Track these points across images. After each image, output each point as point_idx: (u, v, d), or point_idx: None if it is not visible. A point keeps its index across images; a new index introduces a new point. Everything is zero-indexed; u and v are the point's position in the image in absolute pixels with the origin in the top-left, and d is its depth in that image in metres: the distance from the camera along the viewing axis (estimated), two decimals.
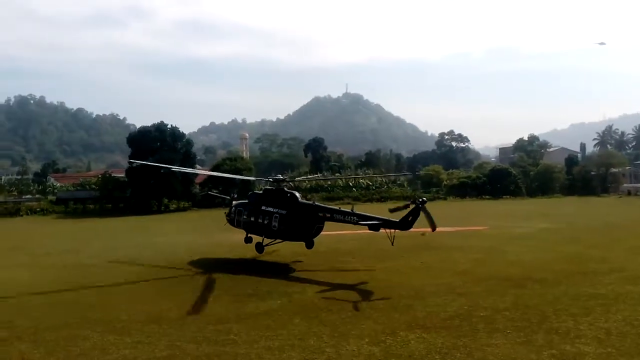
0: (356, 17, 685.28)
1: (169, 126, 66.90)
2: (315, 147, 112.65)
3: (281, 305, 14.42)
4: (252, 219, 21.90)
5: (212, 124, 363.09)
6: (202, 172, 63.02)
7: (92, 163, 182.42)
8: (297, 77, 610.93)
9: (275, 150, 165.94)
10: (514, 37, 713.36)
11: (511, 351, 10.22)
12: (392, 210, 18.01)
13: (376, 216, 18.67)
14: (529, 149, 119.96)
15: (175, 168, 44.25)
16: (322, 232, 21.13)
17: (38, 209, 63.49)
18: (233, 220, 23.25)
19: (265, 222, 21.20)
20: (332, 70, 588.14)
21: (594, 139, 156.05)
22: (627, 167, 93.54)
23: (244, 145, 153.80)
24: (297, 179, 34.94)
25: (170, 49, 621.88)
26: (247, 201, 23.06)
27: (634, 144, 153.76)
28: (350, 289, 16.34)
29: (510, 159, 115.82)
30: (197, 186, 67.50)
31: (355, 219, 18.94)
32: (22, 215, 60.89)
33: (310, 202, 21.53)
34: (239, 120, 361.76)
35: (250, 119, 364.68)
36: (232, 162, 70.05)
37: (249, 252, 22.40)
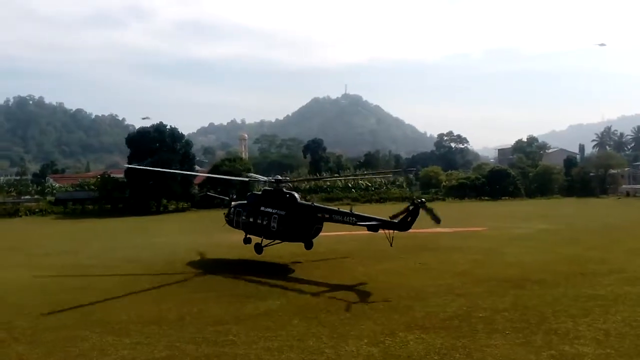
0: (356, 17, 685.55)
1: (168, 127, 66.90)
2: (314, 148, 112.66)
3: (280, 306, 14.41)
4: (251, 219, 21.89)
5: (211, 124, 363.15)
6: (199, 174, 63.05)
7: (91, 164, 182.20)
8: (297, 77, 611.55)
9: (274, 151, 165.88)
10: (513, 38, 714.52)
11: (510, 352, 10.22)
12: (393, 217, 17.94)
13: (375, 217, 18.67)
14: (527, 150, 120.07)
15: (170, 171, 44.20)
16: (321, 233, 21.14)
17: (37, 210, 63.39)
18: (232, 220, 23.24)
19: (264, 222, 21.19)
20: (332, 71, 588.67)
21: (593, 140, 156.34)
22: (626, 169, 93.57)
23: (243, 146, 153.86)
24: (293, 179, 34.90)
25: (170, 49, 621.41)
26: (246, 202, 23.05)
27: (632, 145, 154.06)
28: (349, 289, 16.34)
29: (509, 160, 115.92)
30: (196, 187, 67.49)
31: (354, 220, 18.94)
32: (20, 216, 60.81)
33: (309, 202, 21.51)
34: (238, 121, 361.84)
35: (250, 120, 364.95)
36: (231, 163, 70.03)
37: (248, 252, 22.39)
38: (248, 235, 22.87)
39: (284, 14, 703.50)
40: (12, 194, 76.11)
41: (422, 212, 17.27)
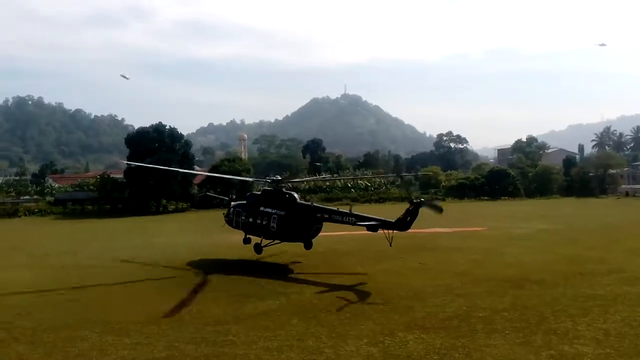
0: (356, 17, 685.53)
1: (167, 127, 66.83)
2: (313, 148, 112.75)
3: (280, 306, 14.43)
4: (251, 219, 21.89)
5: (210, 124, 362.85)
6: (199, 172, 62.99)
7: (91, 164, 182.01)
8: (297, 77, 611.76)
9: (274, 151, 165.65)
10: (513, 38, 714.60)
11: (510, 352, 10.23)
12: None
13: (374, 217, 18.69)
14: (527, 150, 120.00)
15: (170, 169, 44.14)
16: (320, 233, 21.15)
17: (36, 210, 63.27)
18: (232, 221, 23.25)
19: (264, 223, 21.20)
20: (332, 71, 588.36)
21: (592, 140, 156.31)
22: (625, 169, 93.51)
23: (243, 146, 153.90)
24: (292, 179, 34.86)
25: (170, 49, 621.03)
26: (245, 202, 23.06)
27: (632, 145, 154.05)
28: (349, 289, 16.35)
29: (508, 160, 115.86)
30: (196, 187, 67.41)
31: (354, 220, 18.95)
32: (20, 216, 60.71)
33: (309, 203, 21.52)
34: (238, 121, 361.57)
35: (249, 120, 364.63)
36: (230, 163, 69.97)
37: (248, 252, 22.39)
38: (248, 236, 22.89)
39: (284, 14, 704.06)
40: (12, 194, 75.91)
41: (421, 210, 17.26)
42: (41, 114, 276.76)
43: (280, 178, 22.70)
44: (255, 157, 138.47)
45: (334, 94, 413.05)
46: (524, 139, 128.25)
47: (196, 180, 67.36)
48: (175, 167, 56.01)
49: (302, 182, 57.55)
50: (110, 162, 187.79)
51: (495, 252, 23.41)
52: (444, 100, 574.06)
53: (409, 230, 17.81)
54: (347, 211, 19.50)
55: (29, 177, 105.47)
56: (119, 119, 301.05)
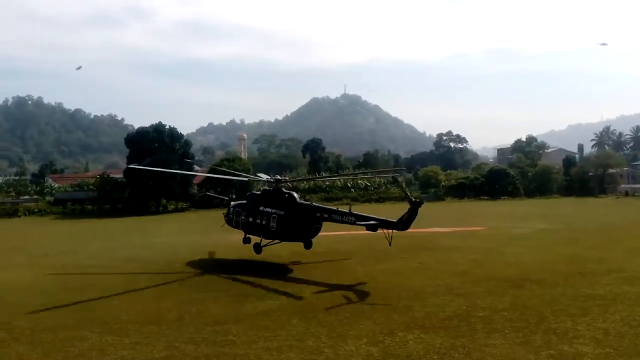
0: (356, 17, 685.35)
1: (167, 127, 66.82)
2: (313, 147, 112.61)
3: (279, 306, 14.42)
4: (251, 219, 21.90)
5: (210, 124, 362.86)
6: (198, 174, 62.97)
7: (90, 164, 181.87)
8: (296, 77, 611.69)
9: (274, 151, 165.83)
10: (513, 38, 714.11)
11: (509, 351, 10.23)
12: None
13: (374, 216, 18.68)
14: (526, 150, 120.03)
15: (170, 171, 44.09)
16: (320, 233, 21.16)
17: (36, 210, 63.27)
18: (231, 220, 23.26)
19: (264, 222, 21.20)
20: (332, 71, 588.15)
21: (592, 140, 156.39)
22: (625, 168, 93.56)
23: (242, 146, 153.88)
24: (291, 179, 34.88)
25: (170, 49, 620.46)
26: (245, 202, 23.07)
27: (631, 144, 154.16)
28: (349, 289, 16.35)
29: (508, 160, 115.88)
30: (195, 187, 67.42)
31: (353, 219, 18.94)
32: (19, 216, 60.73)
33: (309, 202, 21.52)
34: (237, 121, 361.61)
35: (249, 120, 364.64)
36: (230, 163, 69.93)
37: (248, 252, 22.39)
38: (247, 235, 22.89)
39: (284, 14, 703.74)
40: (11, 194, 75.89)
41: (420, 210, 17.26)
42: (41, 113, 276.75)
43: (279, 177, 22.68)
44: (255, 157, 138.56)
45: (334, 94, 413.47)
46: (524, 139, 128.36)
47: (196, 180, 67.38)
48: (175, 167, 56.07)
49: (301, 181, 57.55)
50: (109, 161, 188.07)
51: (495, 252, 23.41)
52: (444, 100, 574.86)
53: (409, 230, 17.80)
54: (347, 211, 19.50)
55: (28, 177, 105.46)
56: (119, 118, 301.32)
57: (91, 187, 71.60)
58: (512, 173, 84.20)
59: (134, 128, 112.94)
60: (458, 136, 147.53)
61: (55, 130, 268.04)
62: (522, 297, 14.57)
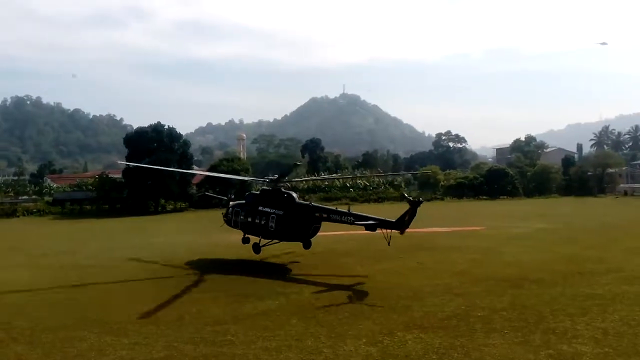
0: (356, 17, 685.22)
1: (166, 127, 66.79)
2: (312, 147, 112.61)
3: (279, 306, 14.42)
4: (249, 219, 21.89)
5: (209, 124, 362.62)
6: (197, 172, 63.00)
7: (89, 164, 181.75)
8: (296, 77, 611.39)
9: (273, 151, 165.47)
10: (513, 38, 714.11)
11: (508, 351, 10.23)
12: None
13: (372, 216, 18.68)
14: (526, 150, 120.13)
15: (169, 169, 44.05)
16: (319, 233, 21.16)
17: (34, 210, 63.19)
18: (230, 220, 23.25)
19: (263, 222, 21.20)
20: (332, 71, 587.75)
21: (591, 140, 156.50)
22: (624, 168, 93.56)
23: (241, 146, 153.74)
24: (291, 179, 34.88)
25: (170, 49, 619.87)
26: (244, 202, 23.06)
27: (630, 144, 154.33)
28: (348, 289, 16.35)
29: (507, 160, 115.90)
30: (194, 187, 67.39)
31: (352, 219, 18.94)
32: (18, 216, 60.66)
33: (307, 202, 21.52)
34: (236, 120, 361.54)
35: (248, 120, 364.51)
36: (229, 163, 69.93)
37: (247, 252, 22.38)
38: (246, 235, 22.88)
39: (284, 14, 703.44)
40: (10, 194, 75.76)
41: (419, 210, 17.26)
42: (39, 113, 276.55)
43: (277, 177, 22.66)
44: (254, 157, 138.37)
45: (333, 94, 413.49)
46: (523, 139, 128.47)
47: (195, 180, 67.37)
48: (174, 167, 56.01)
49: (300, 181, 57.52)
50: (108, 162, 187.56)
51: (494, 252, 23.42)
52: (443, 100, 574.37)
53: (408, 230, 17.80)
54: (346, 211, 19.51)
55: (27, 177, 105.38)
56: (118, 118, 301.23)
57: (90, 187, 71.51)
58: (511, 173, 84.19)
59: (132, 128, 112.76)
60: (457, 136, 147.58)
61: (54, 130, 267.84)
62: (521, 297, 14.58)
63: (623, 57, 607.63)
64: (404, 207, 17.63)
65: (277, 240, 21.46)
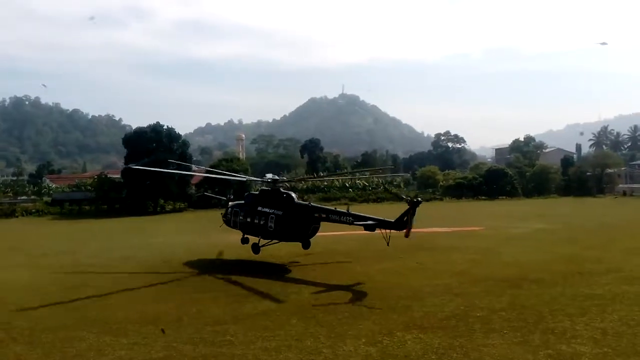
0: (356, 17, 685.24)
1: (164, 127, 66.80)
2: (311, 147, 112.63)
3: (278, 306, 14.41)
4: (249, 219, 21.88)
5: (208, 124, 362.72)
6: (196, 173, 62.94)
7: (88, 164, 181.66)
8: (296, 77, 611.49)
9: (272, 151, 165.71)
10: (513, 38, 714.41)
11: (508, 351, 10.24)
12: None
13: (372, 216, 18.68)
14: (524, 150, 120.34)
15: (169, 171, 43.94)
16: (319, 233, 21.16)
17: (33, 210, 63.20)
18: (229, 221, 23.23)
19: (262, 222, 21.19)
20: (332, 71, 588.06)
21: (590, 140, 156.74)
22: (623, 168, 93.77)
23: (240, 146, 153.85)
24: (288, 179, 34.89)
25: (170, 49, 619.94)
26: (243, 202, 23.05)
27: (629, 144, 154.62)
28: (347, 289, 16.35)
29: (506, 160, 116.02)
30: (193, 187, 67.41)
31: (351, 219, 18.94)
32: (17, 217, 60.64)
33: (307, 202, 21.53)
34: (235, 121, 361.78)
35: (247, 120, 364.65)
36: (228, 163, 69.96)
37: (246, 252, 22.38)
38: (245, 235, 22.87)
39: (284, 14, 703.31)
40: (9, 194, 75.78)
41: (418, 210, 17.25)
42: (38, 114, 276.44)
43: (277, 177, 22.66)
44: (253, 157, 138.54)
45: (332, 94, 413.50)
46: (522, 139, 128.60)
47: (194, 180, 67.36)
48: (173, 168, 55.97)
49: (300, 181, 57.54)
50: (107, 162, 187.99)
51: (493, 252, 23.44)
52: (443, 100, 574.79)
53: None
54: (345, 211, 19.51)
55: (26, 177, 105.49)
56: (117, 119, 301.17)
57: (89, 187, 71.58)
58: (510, 173, 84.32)
59: (131, 128, 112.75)
60: (456, 136, 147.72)
61: (53, 131, 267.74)
62: (520, 297, 14.58)
63: (622, 57, 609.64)
64: (403, 207, 17.62)
65: (276, 241, 21.45)
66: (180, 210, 62.80)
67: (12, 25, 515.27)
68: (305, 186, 73.14)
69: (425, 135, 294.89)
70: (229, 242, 25.96)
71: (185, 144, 69.20)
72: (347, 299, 15.03)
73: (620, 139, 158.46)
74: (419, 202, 17.18)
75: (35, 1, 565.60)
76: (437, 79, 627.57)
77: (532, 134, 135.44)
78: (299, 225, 20.52)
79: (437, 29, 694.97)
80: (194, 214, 58.51)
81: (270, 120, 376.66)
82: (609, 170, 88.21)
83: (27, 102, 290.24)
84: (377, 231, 18.13)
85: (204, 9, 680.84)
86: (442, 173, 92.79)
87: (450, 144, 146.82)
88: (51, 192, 77.92)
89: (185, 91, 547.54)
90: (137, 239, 33.87)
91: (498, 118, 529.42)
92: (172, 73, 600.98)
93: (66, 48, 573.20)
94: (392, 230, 17.71)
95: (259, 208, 21.52)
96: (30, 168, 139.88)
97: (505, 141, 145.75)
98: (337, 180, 79.88)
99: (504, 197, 78.84)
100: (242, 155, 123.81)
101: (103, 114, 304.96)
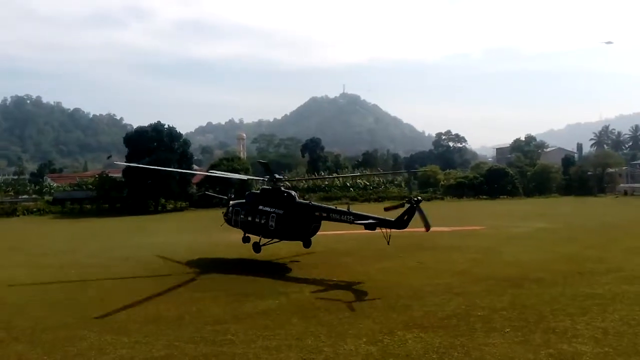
0: (356, 17, 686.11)
1: (166, 126, 66.81)
2: (312, 147, 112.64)
3: (279, 305, 14.42)
4: (250, 218, 21.89)
5: (209, 124, 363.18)
6: (198, 172, 63.06)
7: (89, 163, 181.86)
8: (297, 77, 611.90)
9: (273, 150, 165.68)
10: (513, 38, 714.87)
11: (508, 350, 10.23)
12: (387, 209, 18.08)
13: (372, 215, 18.68)
14: (525, 149, 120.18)
15: (170, 170, 43.96)
16: (319, 232, 21.16)
17: (35, 209, 63.24)
18: (230, 220, 23.25)
19: (263, 221, 21.20)
20: (332, 71, 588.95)
21: (591, 139, 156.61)
22: (624, 167, 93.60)
23: (241, 145, 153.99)
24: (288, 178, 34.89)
25: (170, 49, 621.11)
26: (244, 201, 23.06)
27: (630, 144, 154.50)
28: (348, 288, 16.35)
29: (507, 159, 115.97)
30: (194, 186, 67.42)
31: (352, 218, 18.95)
32: (18, 216, 60.71)
33: (307, 201, 21.53)
34: (236, 120, 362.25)
35: (248, 119, 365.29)
36: (229, 163, 69.95)
37: (247, 251, 22.39)
38: (246, 234, 22.88)
39: (284, 14, 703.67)
40: (10, 193, 75.83)
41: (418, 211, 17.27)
42: (39, 113, 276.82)
43: (278, 177, 22.67)
44: (254, 157, 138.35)
45: (333, 94, 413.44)
46: (523, 138, 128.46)
47: (195, 180, 67.38)
48: (174, 167, 56.02)
49: (300, 180, 57.56)
50: (108, 161, 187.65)
51: (494, 251, 23.43)
52: (443, 99, 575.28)
53: (408, 229, 17.81)
54: (346, 210, 19.51)
55: (27, 176, 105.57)
56: (118, 118, 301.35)
57: (90, 186, 71.58)
58: (511, 172, 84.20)
59: (132, 127, 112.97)
60: (457, 135, 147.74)
61: (54, 130, 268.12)
62: (521, 297, 14.57)
63: (623, 57, 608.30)
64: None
65: (277, 240, 21.46)
66: (181, 209, 62.82)
67: (12, 25, 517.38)
68: (306, 185, 73.12)
69: (426, 134, 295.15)
70: (230, 241, 25.98)
71: (186, 143, 69.17)
72: (347, 298, 15.03)
73: (621, 138, 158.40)
74: (418, 202, 17.23)
75: (35, 1, 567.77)
76: (437, 79, 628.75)
77: (533, 134, 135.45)
78: (300, 224, 20.53)
79: (437, 29, 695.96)
80: (195, 213, 58.53)
81: (271, 120, 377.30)
82: (610, 170, 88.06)
83: (28, 101, 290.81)
84: (378, 230, 18.15)
85: (204, 9, 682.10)
86: (443, 172, 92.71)
87: (451, 144, 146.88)
88: (52, 191, 77.86)
89: (185, 91, 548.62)
90: (138, 238, 33.89)
91: (498, 118, 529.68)
92: (172, 73, 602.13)
93: (66, 48, 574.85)
94: (392, 230, 17.74)
95: (260, 207, 21.52)
96: (32, 167, 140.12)
97: (506, 141, 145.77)
98: (338, 179, 79.83)
99: (505, 196, 78.76)
100: (243, 155, 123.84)
101: (104, 113, 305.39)
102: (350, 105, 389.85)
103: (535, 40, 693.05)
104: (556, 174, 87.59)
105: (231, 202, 23.79)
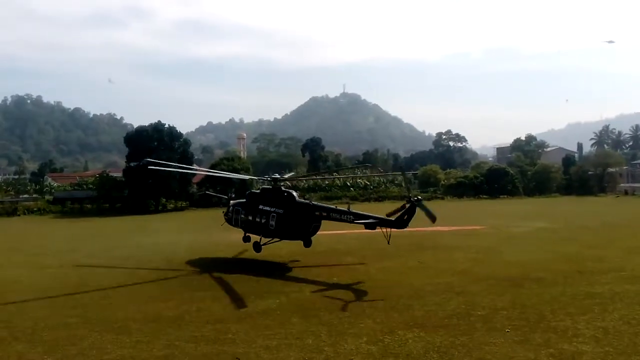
0: (356, 17, 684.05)
1: (166, 126, 66.80)
2: (312, 146, 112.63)
3: (279, 305, 14.43)
4: (250, 218, 21.91)
5: (209, 123, 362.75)
6: (199, 170, 63.01)
7: (90, 163, 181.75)
8: (296, 77, 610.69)
9: (273, 150, 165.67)
10: (513, 38, 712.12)
11: (509, 350, 10.24)
12: (389, 215, 18.00)
13: (372, 215, 18.69)
14: (526, 149, 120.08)
15: (172, 169, 43.87)
16: (320, 232, 21.16)
17: (35, 209, 63.22)
18: (231, 219, 23.28)
19: (263, 221, 21.22)
20: (332, 71, 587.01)
21: (591, 139, 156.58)
22: (624, 167, 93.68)
23: (242, 145, 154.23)
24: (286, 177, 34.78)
25: (170, 49, 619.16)
26: (244, 200, 23.07)
27: (630, 143, 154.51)
28: (349, 288, 16.36)
29: (507, 159, 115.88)
30: (195, 186, 67.42)
31: (352, 218, 18.96)
32: (19, 215, 60.68)
33: (307, 201, 21.54)
34: (237, 120, 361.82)
35: (248, 119, 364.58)
36: (229, 162, 69.94)
37: (247, 251, 22.39)
38: (247, 234, 22.90)
39: (284, 14, 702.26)
40: (11, 193, 75.80)
41: (418, 210, 17.26)
42: (40, 112, 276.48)
43: (279, 177, 22.68)
44: (254, 156, 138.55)
45: (333, 93, 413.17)
46: (523, 138, 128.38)
47: (195, 179, 67.39)
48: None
49: (300, 180, 57.56)
50: (109, 160, 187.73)
51: (495, 251, 23.44)
52: (443, 99, 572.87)
53: (408, 229, 17.82)
54: (346, 209, 19.51)
55: (27, 175, 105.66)
56: (118, 117, 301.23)
57: (90, 186, 71.53)
58: (512, 172, 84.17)
59: (133, 127, 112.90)
60: (457, 135, 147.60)
61: (55, 129, 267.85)
62: (521, 296, 14.59)
63: (623, 57, 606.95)
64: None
65: (277, 239, 21.47)
66: (181, 209, 62.80)
67: (12, 25, 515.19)
68: (306, 185, 73.08)
69: (427, 134, 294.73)
70: (230, 240, 25.99)
71: (186, 142, 69.14)
72: (348, 297, 15.04)
73: (622, 138, 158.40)
74: (418, 201, 17.23)
75: (35, 1, 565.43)
76: (437, 78, 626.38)
77: (533, 133, 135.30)
78: (300, 223, 20.54)
79: (437, 28, 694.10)
80: (196, 213, 58.54)
81: (272, 119, 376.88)
82: (611, 170, 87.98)
83: (28, 101, 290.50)
84: (378, 229, 18.15)
85: (204, 9, 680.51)
86: (444, 172, 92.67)
87: (451, 143, 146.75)
88: (53, 190, 77.80)
89: (185, 91, 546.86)
90: (139, 238, 33.88)
91: (498, 118, 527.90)
92: (172, 73, 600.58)
93: (66, 48, 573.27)
94: (392, 229, 17.74)
95: (261, 207, 21.53)
96: (32, 166, 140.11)
97: (507, 140, 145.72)
98: (339, 179, 79.80)
99: (506, 196, 78.73)
100: (243, 154, 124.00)
101: (104, 112, 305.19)
102: (350, 104, 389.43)
103: (535, 40, 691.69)
104: (556, 174, 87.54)
105: (231, 201, 23.81)
